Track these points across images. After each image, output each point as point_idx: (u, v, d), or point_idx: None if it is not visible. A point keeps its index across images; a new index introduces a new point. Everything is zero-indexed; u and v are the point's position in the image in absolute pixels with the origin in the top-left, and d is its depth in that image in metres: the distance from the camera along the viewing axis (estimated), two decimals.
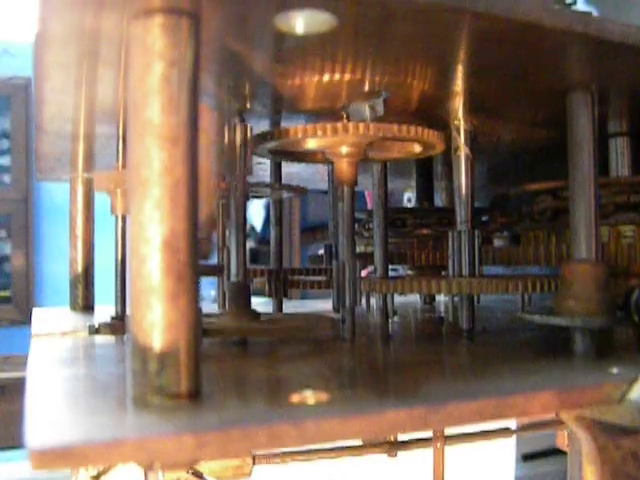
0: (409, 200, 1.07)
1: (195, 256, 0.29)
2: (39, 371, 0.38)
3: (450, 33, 0.34)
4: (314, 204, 2.35)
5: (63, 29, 0.31)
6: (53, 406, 0.29)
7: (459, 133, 0.51)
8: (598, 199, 0.43)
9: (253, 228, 2.58)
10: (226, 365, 0.40)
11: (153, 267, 0.28)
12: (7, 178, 2.63)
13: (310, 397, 0.30)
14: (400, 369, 0.39)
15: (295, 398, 0.30)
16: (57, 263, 2.20)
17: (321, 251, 1.00)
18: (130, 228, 0.29)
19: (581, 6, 1.60)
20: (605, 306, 0.41)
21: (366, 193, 1.21)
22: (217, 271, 0.58)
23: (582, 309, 0.41)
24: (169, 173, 0.28)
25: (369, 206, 1.22)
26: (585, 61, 0.38)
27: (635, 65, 0.39)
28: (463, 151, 0.51)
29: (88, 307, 0.75)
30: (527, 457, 1.67)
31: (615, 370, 0.36)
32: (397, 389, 0.32)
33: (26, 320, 2.59)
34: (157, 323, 0.28)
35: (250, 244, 2.48)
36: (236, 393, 0.32)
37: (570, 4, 0.65)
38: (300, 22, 0.31)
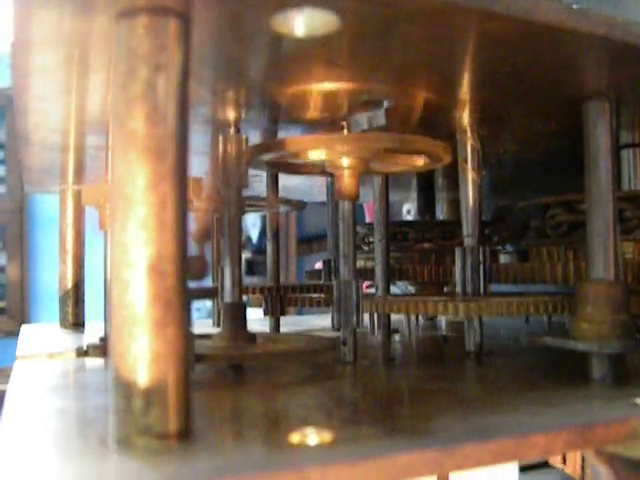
0: (408, 212, 1.05)
1: (185, 280, 0.27)
2: (18, 403, 0.35)
3: (460, 37, 0.31)
4: (311, 214, 2.32)
5: (40, 32, 0.29)
6: (29, 450, 0.26)
7: (465, 147, 0.49)
8: (617, 214, 0.40)
9: (249, 239, 2.56)
10: (220, 394, 0.37)
11: (137, 293, 0.26)
12: (2, 189, 2.61)
13: (312, 436, 0.27)
14: (407, 399, 0.36)
15: (295, 438, 0.27)
16: (52, 274, 2.16)
17: (318, 264, 0.97)
18: (112, 250, 0.26)
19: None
20: (623, 329, 0.39)
21: (365, 206, 1.19)
22: (211, 294, 0.55)
23: (598, 332, 0.38)
24: (155, 190, 0.26)
25: (368, 219, 1.19)
26: (605, 67, 0.36)
27: None
28: (470, 165, 0.48)
29: (78, 324, 0.73)
30: (523, 469, 1.65)
31: (639, 400, 0.33)
32: (406, 425, 0.29)
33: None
34: (142, 356, 0.26)
35: (246, 255, 2.46)
36: (230, 431, 0.29)
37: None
38: (300, 23, 0.29)
